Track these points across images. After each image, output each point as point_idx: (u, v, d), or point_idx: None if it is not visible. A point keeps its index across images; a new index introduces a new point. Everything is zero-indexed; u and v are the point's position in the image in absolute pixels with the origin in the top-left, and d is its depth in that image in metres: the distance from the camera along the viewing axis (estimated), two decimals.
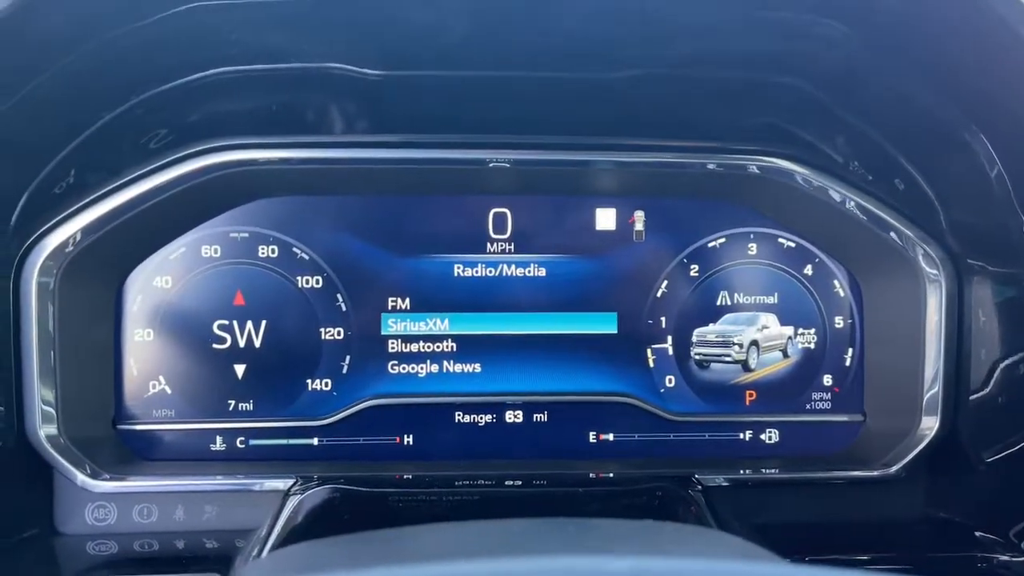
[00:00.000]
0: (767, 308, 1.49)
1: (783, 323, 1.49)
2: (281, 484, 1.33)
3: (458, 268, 1.44)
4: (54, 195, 1.24)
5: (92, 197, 1.27)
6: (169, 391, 1.41)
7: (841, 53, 1.15)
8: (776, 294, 1.48)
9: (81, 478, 1.29)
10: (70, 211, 1.26)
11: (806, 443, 1.48)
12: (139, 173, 1.28)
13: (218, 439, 1.41)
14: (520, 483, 1.36)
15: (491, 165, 1.38)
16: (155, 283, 1.40)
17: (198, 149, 1.31)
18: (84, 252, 1.28)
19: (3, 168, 1.15)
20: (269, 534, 1.19)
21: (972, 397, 1.36)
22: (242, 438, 1.42)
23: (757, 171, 1.39)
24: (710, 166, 1.40)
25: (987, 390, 1.35)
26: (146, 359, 1.40)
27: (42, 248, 1.26)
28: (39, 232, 1.25)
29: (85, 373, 1.34)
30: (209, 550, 1.30)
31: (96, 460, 1.32)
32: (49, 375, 1.27)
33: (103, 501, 1.34)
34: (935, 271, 1.37)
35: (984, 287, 1.35)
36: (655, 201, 1.46)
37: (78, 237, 1.27)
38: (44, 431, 1.27)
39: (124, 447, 1.39)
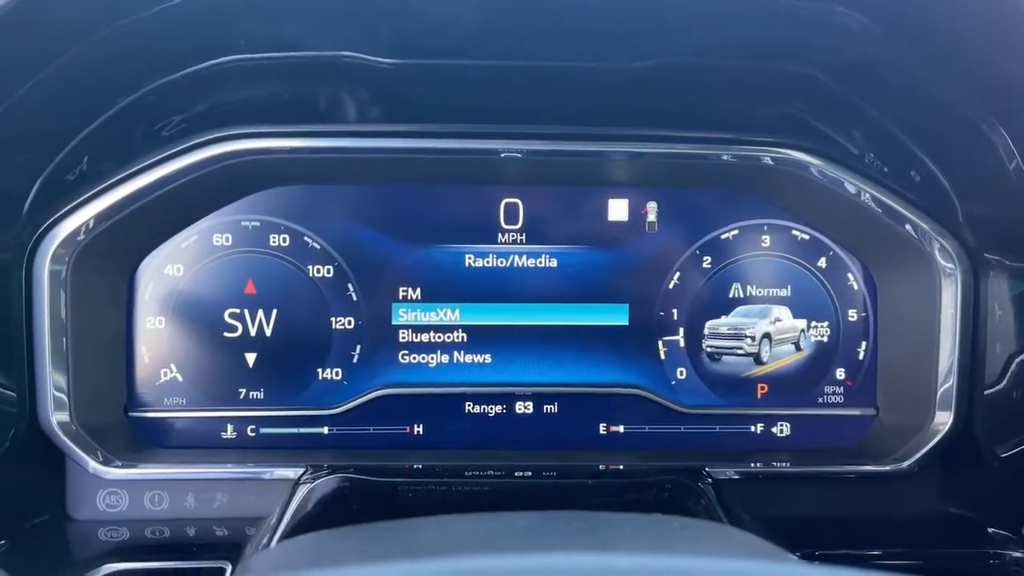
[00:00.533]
0: (780, 301, 1.47)
1: (796, 316, 1.48)
2: (291, 473, 1.33)
3: (469, 258, 1.43)
4: (66, 182, 1.24)
5: (104, 185, 1.27)
6: (180, 379, 1.41)
7: (859, 43, 1.13)
8: (789, 287, 1.47)
9: (93, 465, 1.30)
10: (82, 199, 1.26)
11: (818, 437, 1.47)
12: (151, 161, 1.28)
13: (229, 427, 1.42)
14: (530, 474, 1.36)
15: (503, 155, 1.37)
16: (166, 271, 1.40)
17: (210, 137, 1.31)
18: (96, 240, 1.28)
19: (16, 155, 1.15)
20: (279, 523, 1.20)
21: (987, 392, 1.35)
22: (252, 426, 1.42)
23: (771, 162, 1.38)
24: (724, 157, 1.38)
25: (1002, 385, 1.33)
26: (158, 347, 1.40)
27: (54, 235, 1.26)
28: (51, 219, 1.26)
29: (97, 360, 1.34)
30: (219, 538, 1.30)
31: (108, 447, 1.33)
32: (61, 362, 1.28)
33: (114, 488, 1.34)
34: (951, 265, 1.36)
35: (1001, 281, 1.33)
36: (668, 192, 1.45)
37: (90, 225, 1.27)
38: (56, 418, 1.28)
39: (135, 434, 1.40)
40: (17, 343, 1.24)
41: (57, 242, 1.26)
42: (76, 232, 1.27)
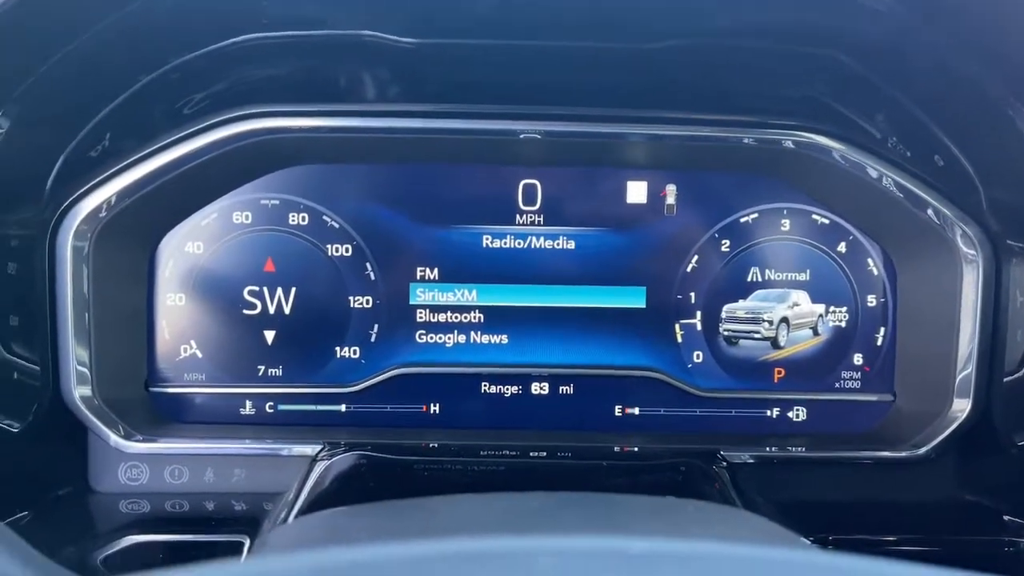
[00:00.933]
0: (799, 285, 1.47)
1: (814, 301, 1.47)
2: (308, 449, 1.35)
3: (487, 239, 1.43)
4: (89, 159, 1.25)
5: (126, 162, 1.28)
6: (200, 355, 1.42)
7: (884, 26, 1.12)
8: (808, 271, 1.47)
9: (114, 439, 1.32)
10: (104, 176, 1.27)
11: (834, 422, 1.47)
12: (173, 139, 1.29)
13: (247, 403, 1.43)
14: (545, 454, 1.37)
15: (522, 136, 1.37)
16: (187, 248, 1.41)
17: (231, 116, 1.31)
18: (118, 216, 1.29)
19: (39, 132, 1.16)
20: (296, 499, 1.21)
21: (1006, 380, 1.34)
22: (271, 403, 1.44)
23: (792, 146, 1.37)
24: (745, 140, 1.38)
25: (1021, 373, 1.33)
26: (178, 323, 1.42)
27: (77, 212, 1.27)
28: (74, 196, 1.27)
29: (119, 336, 1.36)
30: (238, 512, 1.32)
31: (129, 421, 1.35)
32: (84, 337, 1.29)
33: (136, 461, 1.36)
34: (973, 252, 1.34)
35: (1023, 269, 1.32)
36: (687, 174, 1.44)
37: (112, 201, 1.29)
38: (79, 392, 1.30)
39: (156, 409, 1.42)
40: (40, 319, 1.26)
41: (80, 218, 1.27)
42: (98, 209, 1.28)
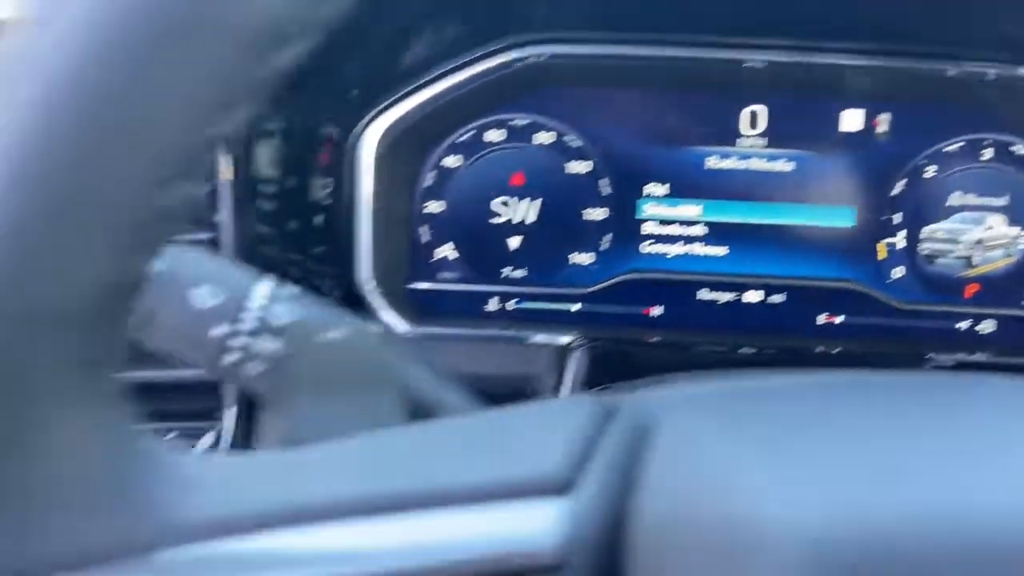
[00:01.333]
0: (995, 209, 1.59)
1: (1010, 224, 1.59)
2: (551, 340, 1.54)
3: (712, 160, 1.58)
4: (386, 77, 1.44)
5: (419, 83, 1.46)
6: (453, 257, 1.62)
7: None
8: (1004, 197, 1.59)
9: (393, 322, 1.53)
10: (401, 94, 1.46)
11: (1021, 335, 1.61)
12: (458, 63, 1.47)
13: (494, 300, 1.63)
14: (754, 351, 1.55)
15: (746, 65, 1.51)
16: (445, 162, 1.59)
17: (492, 49, 1.48)
18: (403, 132, 1.48)
19: (354, 52, 1.36)
20: (559, 382, 1.42)
21: None
22: (514, 301, 1.63)
23: (995, 77, 1.48)
24: (951, 72, 1.49)
25: None
26: (436, 228, 1.61)
27: (377, 126, 1.46)
28: (375, 112, 1.46)
29: (392, 236, 1.56)
30: (501, 392, 1.52)
31: (399, 310, 1.55)
32: (371, 237, 1.50)
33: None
34: None
35: None
36: (899, 104, 1.56)
37: (399, 118, 1.47)
38: (368, 284, 1.50)
39: (414, 302, 1.62)
40: (345, 219, 1.47)
41: (377, 132, 1.46)
42: (390, 124, 1.47)
